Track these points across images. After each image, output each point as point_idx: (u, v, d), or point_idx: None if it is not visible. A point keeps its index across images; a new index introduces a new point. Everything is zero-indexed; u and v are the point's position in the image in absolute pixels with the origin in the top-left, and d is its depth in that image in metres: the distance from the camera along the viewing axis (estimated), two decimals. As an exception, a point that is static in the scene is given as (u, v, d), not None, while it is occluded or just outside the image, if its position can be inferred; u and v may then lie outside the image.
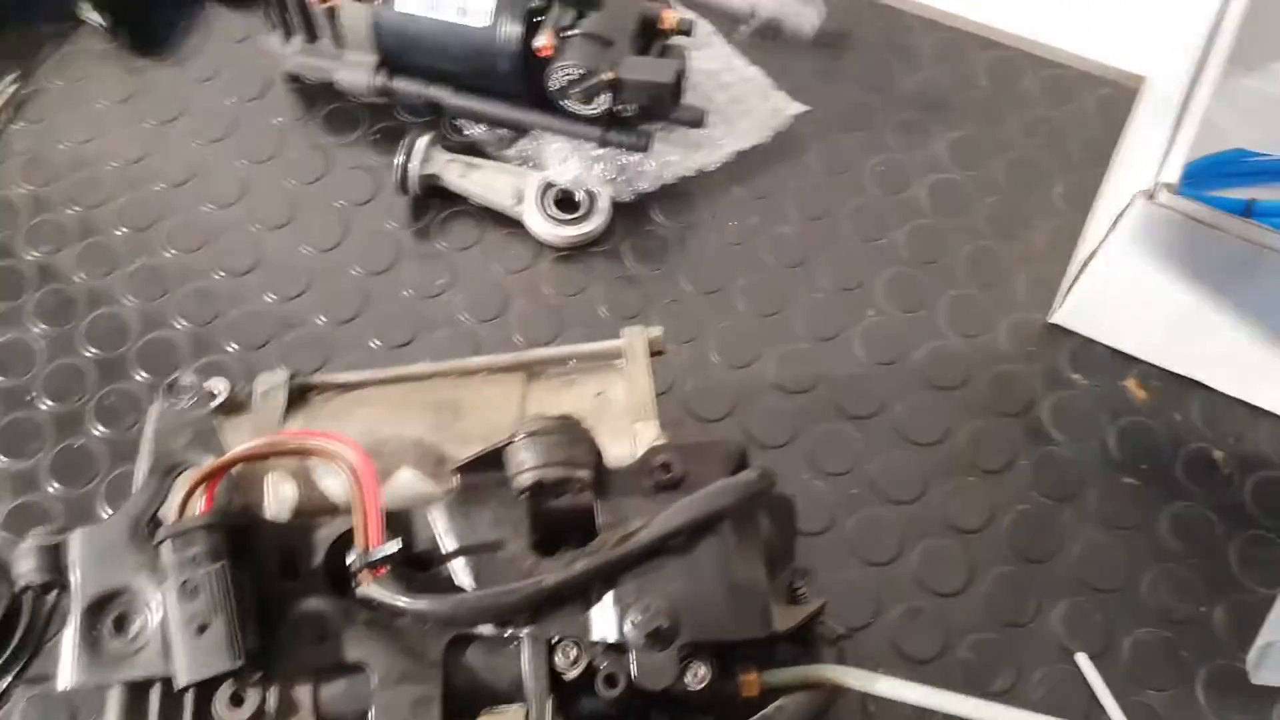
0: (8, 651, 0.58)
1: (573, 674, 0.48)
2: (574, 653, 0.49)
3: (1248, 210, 0.69)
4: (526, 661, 0.48)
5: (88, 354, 0.70)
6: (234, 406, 0.56)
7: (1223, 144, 0.72)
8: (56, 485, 0.65)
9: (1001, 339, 0.70)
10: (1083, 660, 0.61)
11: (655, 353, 0.58)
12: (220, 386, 0.56)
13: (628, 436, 0.54)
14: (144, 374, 0.69)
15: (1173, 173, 0.59)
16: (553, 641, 0.48)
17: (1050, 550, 0.64)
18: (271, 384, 0.57)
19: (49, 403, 0.68)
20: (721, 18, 0.76)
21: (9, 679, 0.57)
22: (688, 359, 0.69)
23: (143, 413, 0.66)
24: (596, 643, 0.47)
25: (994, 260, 0.73)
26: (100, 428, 0.67)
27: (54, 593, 0.56)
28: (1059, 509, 0.65)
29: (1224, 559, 0.63)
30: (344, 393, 0.57)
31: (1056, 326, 0.70)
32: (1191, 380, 0.68)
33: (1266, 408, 0.67)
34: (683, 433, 0.66)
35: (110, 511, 0.64)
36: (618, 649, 0.48)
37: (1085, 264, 0.64)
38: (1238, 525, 0.64)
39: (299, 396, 0.57)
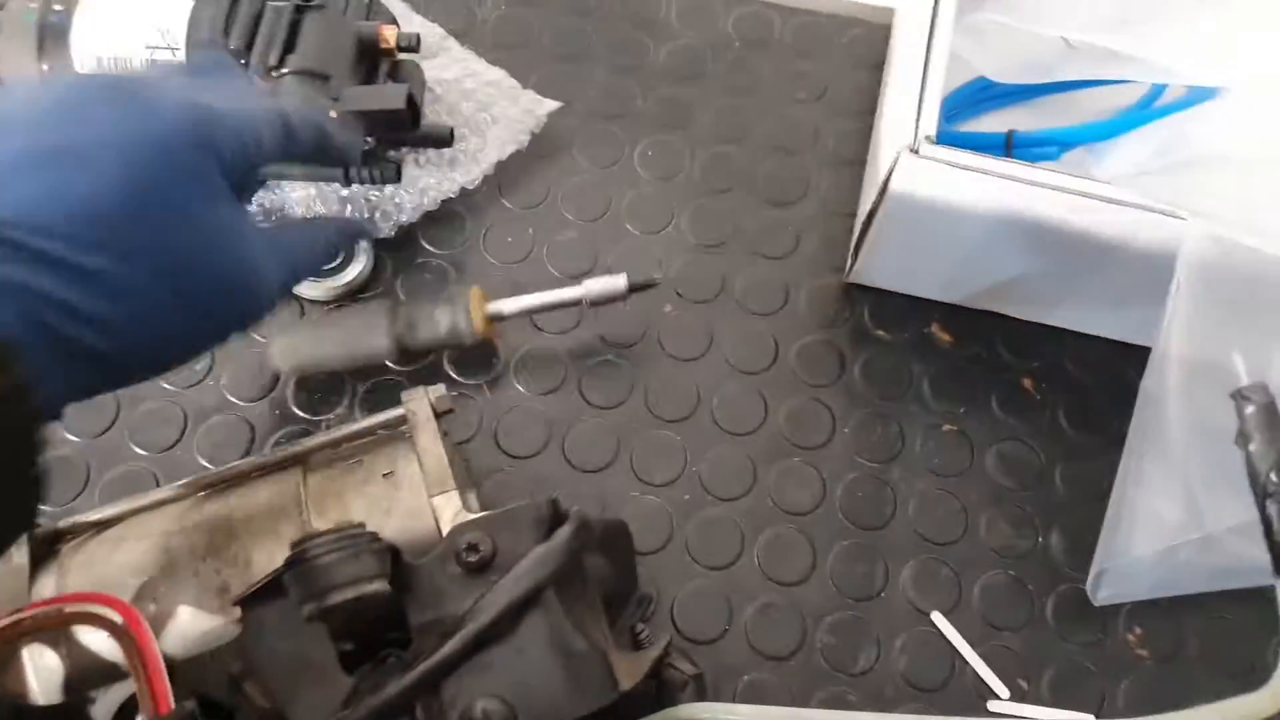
0: None
1: None
2: None
3: (1008, 142, 0.69)
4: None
5: None
6: None
7: (971, 76, 0.71)
8: None
9: (802, 309, 0.68)
10: (938, 618, 0.60)
11: (443, 412, 0.53)
12: None
13: (427, 514, 0.49)
14: None
15: (930, 124, 0.57)
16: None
17: (886, 515, 0.62)
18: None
19: None
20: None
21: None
22: (490, 396, 0.64)
23: None
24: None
25: (780, 229, 0.70)
26: None
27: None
28: (887, 470, 0.64)
29: (1051, 485, 0.64)
30: (98, 533, 0.50)
31: (854, 285, 0.69)
32: (991, 314, 0.68)
33: (1064, 326, 0.67)
34: (500, 479, 0.62)
35: None
36: None
37: (867, 222, 0.63)
38: (1058, 449, 0.65)
39: (45, 550, 0.49)
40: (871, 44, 0.77)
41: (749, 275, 0.69)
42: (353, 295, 0.66)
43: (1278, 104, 0.57)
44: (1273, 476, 0.47)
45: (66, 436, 0.62)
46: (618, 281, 0.63)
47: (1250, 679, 0.48)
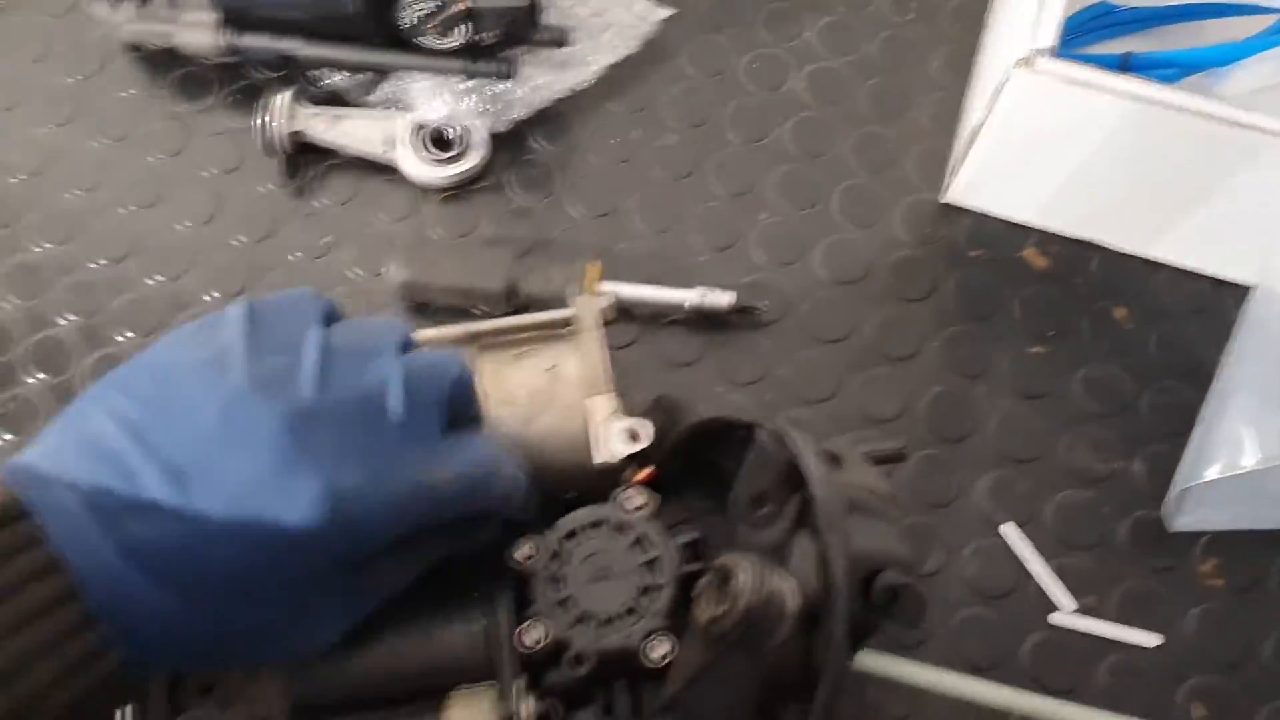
0: None
1: (541, 653, 0.44)
2: (542, 631, 0.45)
3: (1125, 64, 0.63)
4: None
5: (-43, 368, 0.61)
6: None
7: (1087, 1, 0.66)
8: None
9: (897, 225, 0.64)
10: (1009, 530, 0.57)
11: (608, 321, 0.52)
12: None
13: (581, 412, 0.49)
14: (40, 375, 0.61)
15: (1048, 36, 0.52)
16: (522, 624, 0.44)
17: (968, 428, 0.59)
18: None
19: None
20: None
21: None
22: (588, 287, 0.62)
23: (41, 415, 0.59)
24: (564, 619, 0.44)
25: (881, 145, 0.66)
26: (6, 435, 0.60)
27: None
28: (972, 386, 0.60)
29: (1136, 413, 0.59)
30: None
31: (950, 205, 0.64)
32: (1088, 242, 0.63)
33: (1162, 259, 0.62)
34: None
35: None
36: (582, 622, 0.45)
37: (971, 139, 0.58)
38: (1146, 378, 0.60)
39: None
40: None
41: (846, 189, 0.65)
42: (466, 184, 0.65)
43: None
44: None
45: (208, 297, 0.63)
46: (724, 297, 0.60)
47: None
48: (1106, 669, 0.54)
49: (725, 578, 0.42)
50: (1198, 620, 0.54)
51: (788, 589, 0.43)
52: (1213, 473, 0.52)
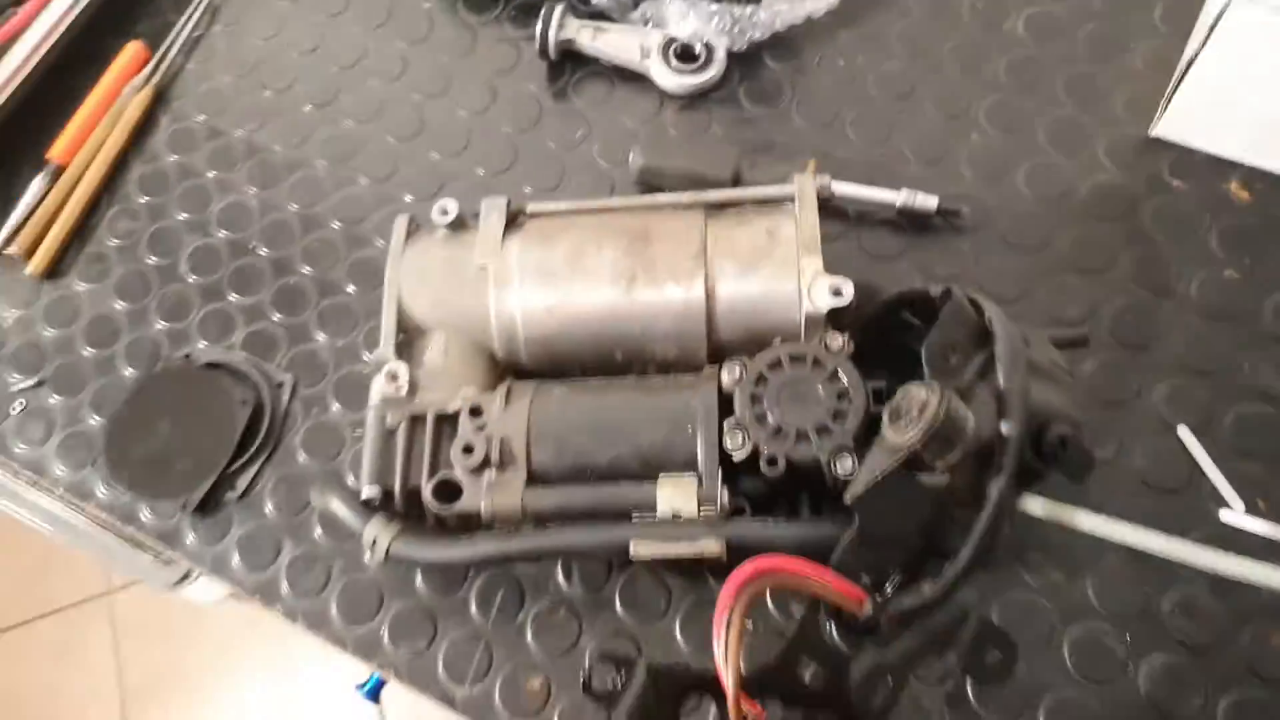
0: (256, 443, 0.65)
1: (740, 455, 0.52)
2: (741, 437, 0.52)
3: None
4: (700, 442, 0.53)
5: (291, 209, 0.75)
6: (460, 224, 0.62)
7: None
8: (278, 316, 0.71)
9: (1101, 154, 0.68)
10: (1184, 432, 0.60)
11: (821, 200, 0.60)
12: (451, 207, 0.61)
13: (794, 268, 0.57)
14: (338, 223, 0.74)
15: (1271, -42, 0.56)
16: (724, 428, 0.53)
17: (1151, 337, 0.62)
18: (493, 206, 0.62)
19: (265, 250, 0.74)
20: None
21: (258, 465, 0.64)
22: (803, 187, 0.70)
23: (338, 255, 0.72)
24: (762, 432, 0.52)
25: (1091, 83, 0.70)
26: (307, 268, 0.73)
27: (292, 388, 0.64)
28: (1160, 301, 0.63)
29: (1325, 341, 0.61)
30: (550, 219, 0.62)
31: (1156, 140, 0.68)
32: (1295, 180, 0.65)
33: (1370, 200, 0.63)
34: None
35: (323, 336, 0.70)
36: (779, 435, 0.52)
37: (1185, 71, 0.62)
38: (1341, 311, 0.62)
39: (512, 220, 0.61)
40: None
41: (1055, 119, 0.70)
42: (704, 94, 0.74)
43: None
44: None
45: (479, 172, 0.74)
46: (929, 200, 0.66)
47: None
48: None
49: (915, 396, 0.48)
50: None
51: (969, 415, 0.48)
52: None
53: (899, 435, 0.48)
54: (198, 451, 0.66)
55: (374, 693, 1.09)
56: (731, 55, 0.74)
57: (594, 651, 0.57)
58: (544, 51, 0.75)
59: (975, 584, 0.56)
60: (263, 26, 0.84)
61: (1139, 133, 0.68)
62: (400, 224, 0.63)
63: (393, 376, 0.58)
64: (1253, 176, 0.65)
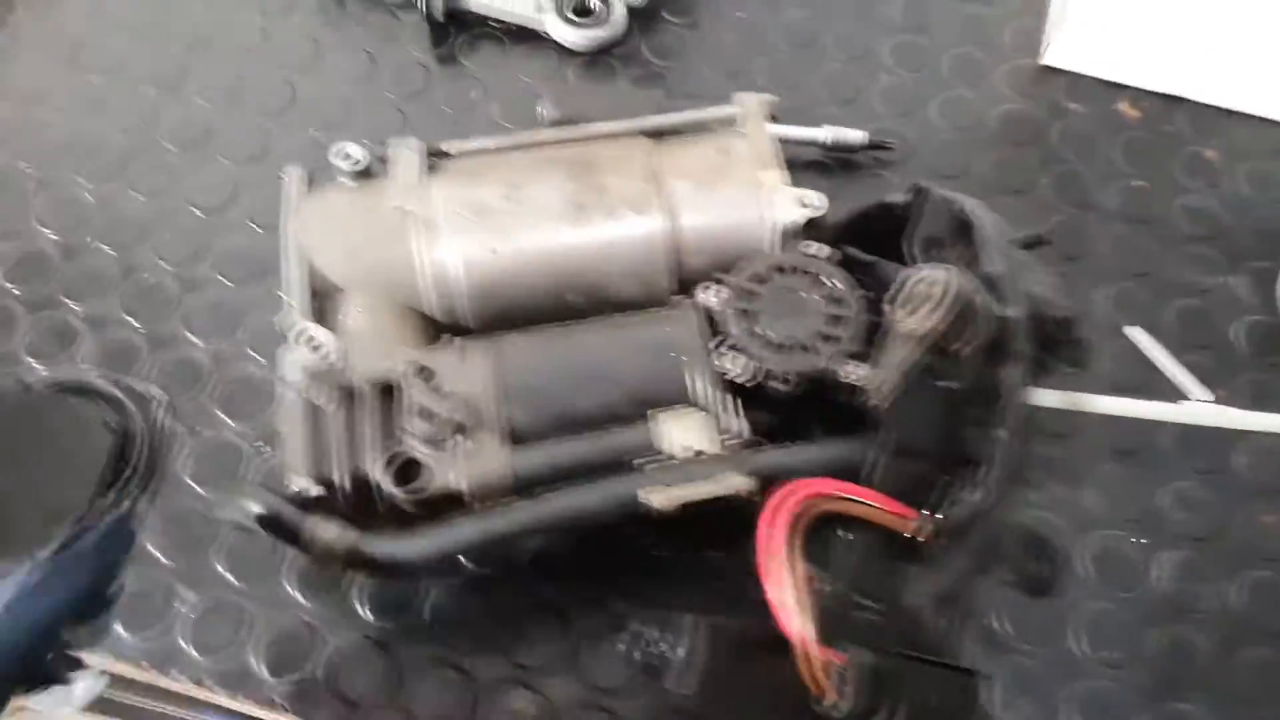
0: (127, 474, 0.52)
1: (742, 378, 0.47)
2: (742, 361, 0.47)
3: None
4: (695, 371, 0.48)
5: (137, 199, 0.63)
6: (366, 174, 0.52)
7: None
8: (134, 321, 0.59)
9: (1003, 85, 0.69)
10: (1136, 332, 0.59)
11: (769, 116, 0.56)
12: (355, 151, 0.51)
13: (754, 185, 0.52)
14: (198, 210, 0.63)
15: None
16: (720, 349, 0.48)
17: (1082, 249, 0.63)
18: (404, 145, 0.53)
19: (106, 247, 0.62)
20: None
21: (130, 500, 0.51)
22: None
23: (201, 245, 0.61)
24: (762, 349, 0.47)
25: (979, 21, 0.72)
26: (163, 263, 0.61)
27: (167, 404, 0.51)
28: (1083, 215, 0.64)
29: (1233, 238, 0.63)
30: (474, 158, 0.54)
31: (1048, 68, 0.69)
32: (1175, 97, 0.68)
33: (1244, 110, 0.67)
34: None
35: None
36: (781, 350, 0.47)
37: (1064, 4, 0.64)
38: (1239, 212, 0.64)
39: (432, 162, 0.53)
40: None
41: (954, 55, 0.70)
42: (606, 49, 0.69)
43: None
44: None
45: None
46: (856, 134, 0.64)
47: None
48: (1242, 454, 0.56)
49: (928, 279, 0.44)
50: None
51: (980, 287, 0.45)
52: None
53: (919, 322, 0.44)
54: (48, 496, 0.52)
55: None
56: (630, 11, 0.70)
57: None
58: (429, 13, 0.68)
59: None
60: (76, 6, 0.72)
61: (1031, 62, 0.70)
62: (293, 173, 0.53)
63: (313, 343, 0.48)
64: (1139, 95, 0.68)
